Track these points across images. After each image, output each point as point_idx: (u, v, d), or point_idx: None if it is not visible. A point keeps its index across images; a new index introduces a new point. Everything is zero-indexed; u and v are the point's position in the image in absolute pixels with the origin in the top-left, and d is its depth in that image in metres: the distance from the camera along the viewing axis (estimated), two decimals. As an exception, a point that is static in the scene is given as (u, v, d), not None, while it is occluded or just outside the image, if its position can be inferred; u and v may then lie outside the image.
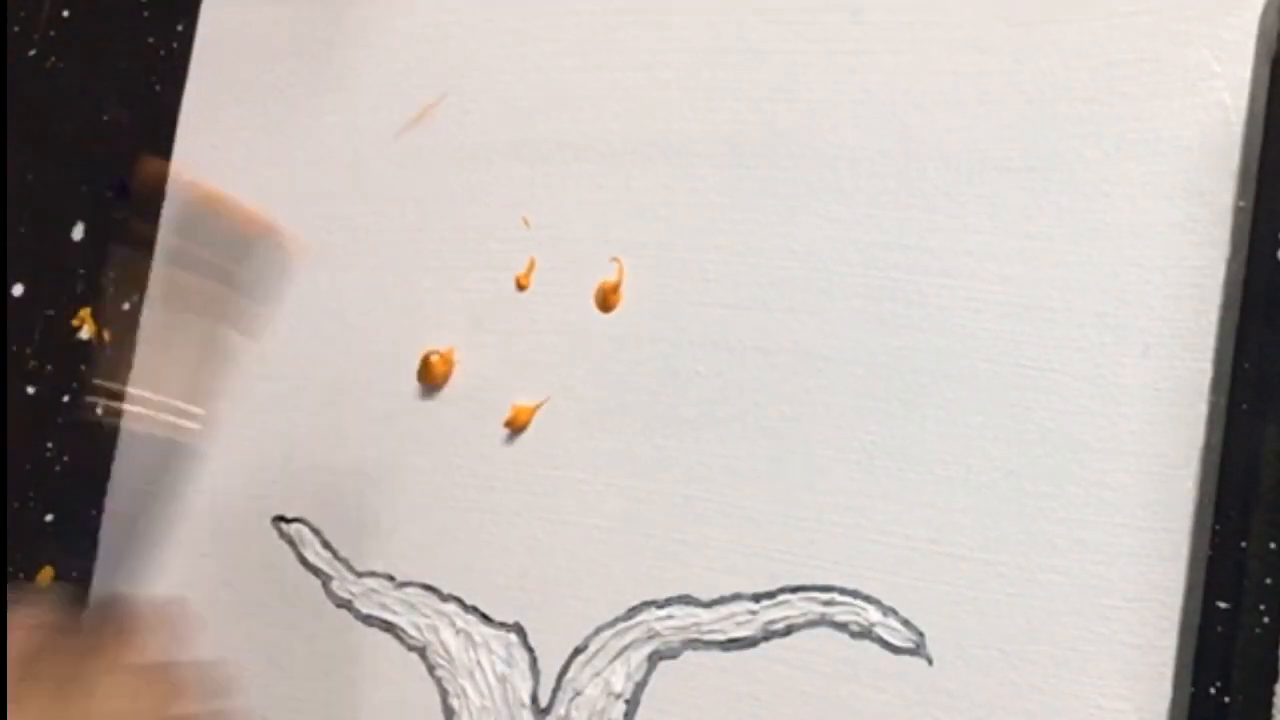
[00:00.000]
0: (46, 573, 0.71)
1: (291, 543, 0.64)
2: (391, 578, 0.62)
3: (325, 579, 0.63)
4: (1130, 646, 0.49)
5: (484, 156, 0.63)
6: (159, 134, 0.72)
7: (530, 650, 0.59)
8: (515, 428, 0.60)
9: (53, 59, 0.77)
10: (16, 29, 0.78)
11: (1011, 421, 0.52)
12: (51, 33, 0.77)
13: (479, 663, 0.59)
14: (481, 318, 0.62)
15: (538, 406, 0.60)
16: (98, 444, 0.71)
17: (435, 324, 0.63)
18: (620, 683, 0.57)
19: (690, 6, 0.60)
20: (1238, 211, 0.50)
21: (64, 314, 0.74)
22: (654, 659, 0.56)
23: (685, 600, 0.56)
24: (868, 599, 0.53)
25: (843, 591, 0.53)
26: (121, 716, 0.47)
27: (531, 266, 0.62)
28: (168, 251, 0.49)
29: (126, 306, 0.72)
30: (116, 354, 0.72)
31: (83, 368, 0.73)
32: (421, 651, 0.61)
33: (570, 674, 0.58)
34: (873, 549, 0.53)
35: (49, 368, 0.74)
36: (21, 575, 0.71)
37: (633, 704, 0.56)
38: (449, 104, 0.65)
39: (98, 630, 0.48)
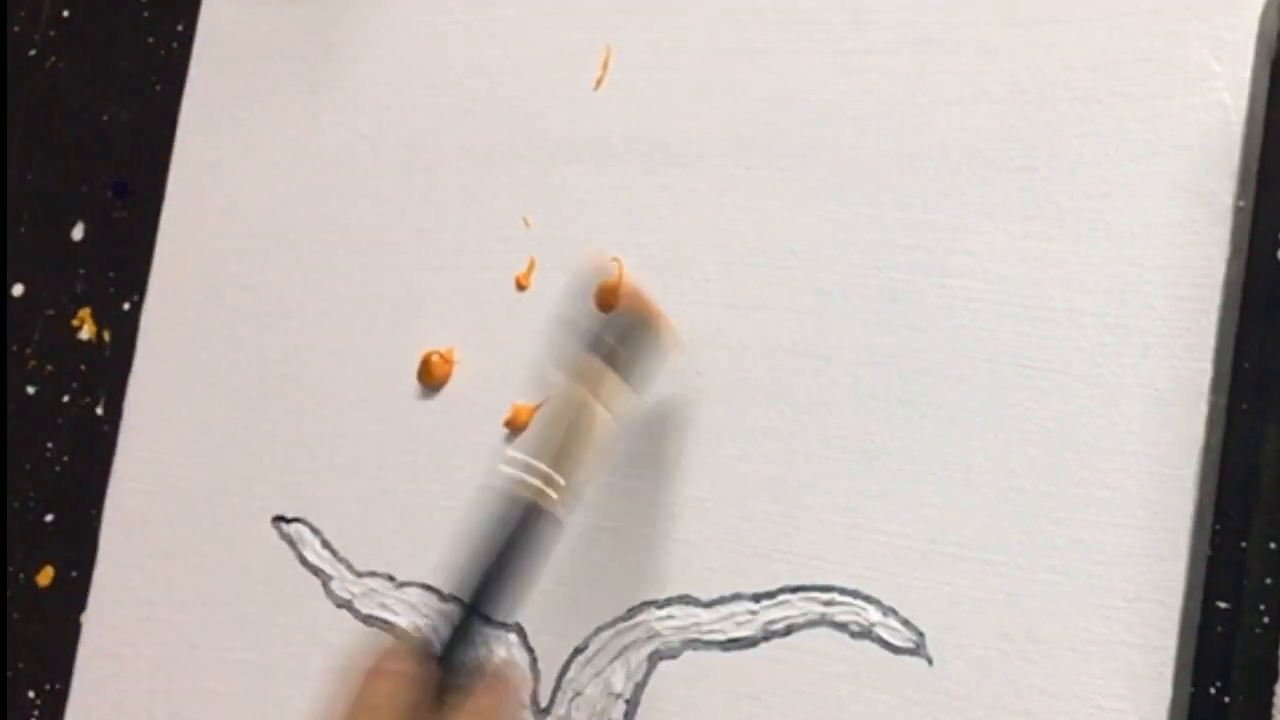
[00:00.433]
0: (46, 573, 0.71)
1: (291, 543, 0.64)
2: (391, 578, 0.62)
3: (325, 579, 0.63)
4: (1130, 646, 0.49)
5: (484, 156, 0.63)
6: (159, 134, 0.72)
7: (530, 650, 0.59)
8: (515, 428, 0.60)
9: (53, 59, 0.77)
10: (16, 29, 0.78)
11: (1011, 421, 0.52)
12: (51, 33, 0.77)
13: (479, 663, 0.59)
14: (481, 318, 0.62)
15: (538, 406, 0.60)
16: (98, 444, 0.71)
17: (435, 324, 0.63)
18: (620, 683, 0.57)
19: (690, 6, 0.60)
20: (1238, 211, 0.50)
21: (64, 314, 0.74)
22: (654, 659, 0.56)
23: (685, 600, 0.56)
24: (868, 599, 0.53)
25: (843, 591, 0.53)
26: None
27: (531, 266, 0.62)
28: (600, 347, 0.53)
29: (127, 306, 0.72)
30: (117, 354, 0.72)
31: (83, 368, 0.73)
32: (421, 651, 0.61)
33: (570, 674, 0.58)
34: (873, 549, 0.53)
35: (49, 368, 0.74)
36: (21, 575, 0.72)
37: (633, 704, 0.56)
38: (449, 104, 0.65)
39: (456, 691, 0.48)
